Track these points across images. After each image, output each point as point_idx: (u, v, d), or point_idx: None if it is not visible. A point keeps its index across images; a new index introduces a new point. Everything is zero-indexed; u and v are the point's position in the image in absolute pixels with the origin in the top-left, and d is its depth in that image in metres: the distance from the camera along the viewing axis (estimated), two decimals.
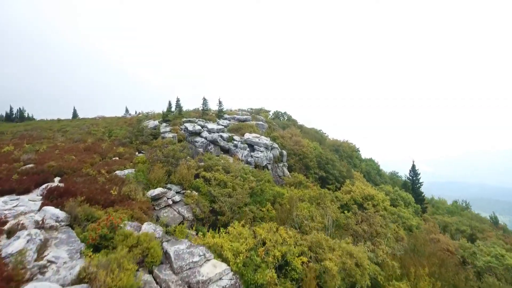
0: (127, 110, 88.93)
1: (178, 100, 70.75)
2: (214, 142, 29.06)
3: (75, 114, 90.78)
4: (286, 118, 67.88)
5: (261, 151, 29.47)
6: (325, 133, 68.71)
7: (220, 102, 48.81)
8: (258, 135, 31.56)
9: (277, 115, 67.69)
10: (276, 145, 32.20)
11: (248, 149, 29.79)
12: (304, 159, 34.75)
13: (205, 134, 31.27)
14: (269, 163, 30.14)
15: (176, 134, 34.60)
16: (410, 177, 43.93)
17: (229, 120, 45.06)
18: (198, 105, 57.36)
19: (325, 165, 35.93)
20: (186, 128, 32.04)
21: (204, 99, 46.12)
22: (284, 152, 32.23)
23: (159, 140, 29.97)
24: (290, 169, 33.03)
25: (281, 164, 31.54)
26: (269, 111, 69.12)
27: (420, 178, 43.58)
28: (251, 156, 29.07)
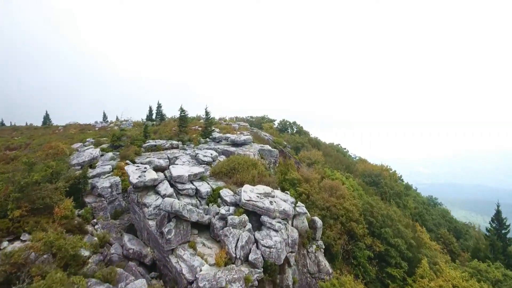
0: (105, 116, 72.75)
1: (159, 106, 54.42)
2: (177, 214, 13.01)
3: (46, 120, 74.49)
4: (295, 129, 51.95)
5: (276, 230, 13.64)
6: (345, 148, 52.93)
7: (207, 113, 32.81)
8: (269, 190, 15.67)
9: (284, 125, 51.74)
10: (302, 207, 16.22)
11: (248, 225, 13.93)
12: (348, 222, 18.91)
13: (164, 188, 15.29)
14: (291, 252, 14.35)
15: (119, 179, 18.68)
16: (493, 228, 28.21)
17: (219, 142, 29.03)
18: (188, 112, 41.73)
19: (381, 230, 20.13)
20: (129, 176, 15.88)
21: (182, 110, 29.98)
22: (318, 222, 16.25)
23: (64, 205, 13.98)
24: (327, 249, 17.19)
25: (313, 248, 15.64)
26: (274, 121, 53.23)
27: (509, 230, 27.90)
28: (256, 245, 13.25)
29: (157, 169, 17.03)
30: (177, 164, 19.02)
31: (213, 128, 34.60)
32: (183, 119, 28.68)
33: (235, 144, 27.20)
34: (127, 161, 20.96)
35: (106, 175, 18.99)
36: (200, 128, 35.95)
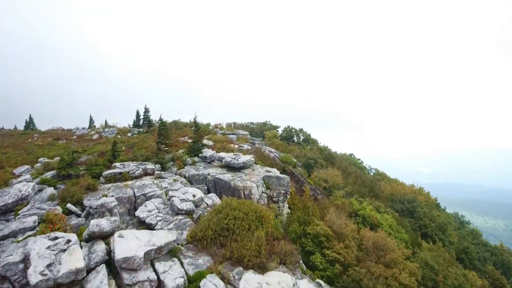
0: (91, 121, 65.36)
1: (146, 111, 47.00)
2: None
3: (29, 124, 67.12)
4: (302, 137, 44.85)
5: None
6: (359, 159, 45.83)
7: (196, 123, 25.66)
8: (289, 283, 8.69)
9: (289, 132, 44.60)
10: None
11: None
12: None
13: (96, 284, 8.26)
14: None
15: None
16: None
17: (212, 162, 21.95)
18: (181, 116, 35.19)
19: None
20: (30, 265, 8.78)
21: (161, 122, 22.72)
22: None
23: None
24: None
25: None
26: (278, 127, 46.11)
27: None
28: None
29: (95, 236, 9.86)
30: (142, 216, 11.84)
31: (205, 141, 27.47)
32: (162, 133, 21.38)
33: (231, 167, 20.08)
34: (68, 206, 13.79)
35: (26, 234, 11.84)
36: (190, 141, 28.83)
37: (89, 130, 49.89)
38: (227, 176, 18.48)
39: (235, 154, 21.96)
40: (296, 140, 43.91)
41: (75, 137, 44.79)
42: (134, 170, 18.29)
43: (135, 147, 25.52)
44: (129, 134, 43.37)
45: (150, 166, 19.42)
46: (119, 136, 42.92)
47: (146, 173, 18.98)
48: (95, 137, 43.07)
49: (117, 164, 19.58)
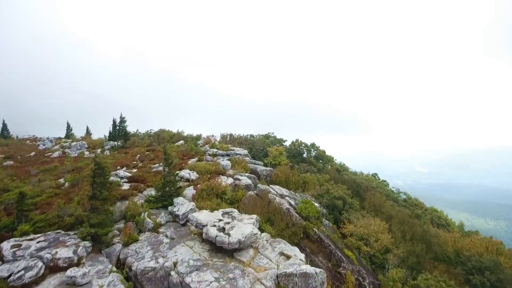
0: (68, 128, 55.75)
1: (122, 121, 37.71)
2: None
3: (3, 131, 57.34)
4: (314, 152, 35.68)
5: None
6: (384, 181, 36.61)
7: (166, 155, 16.39)
8: None
9: (297, 147, 35.41)
10: None
11: None
12: None
13: None
14: None
15: None
16: None
17: (187, 224, 12.80)
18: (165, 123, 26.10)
19: None
20: None
21: (96, 161, 13.35)
22: None
23: None
24: None
25: None
26: (284, 141, 36.91)
27: None
28: None
29: None
30: None
31: (185, 173, 18.36)
32: (97, 182, 11.99)
33: (219, 249, 10.99)
34: None
35: None
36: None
37: (54, 143, 40.32)
38: (206, 278, 9.37)
39: (226, 214, 12.84)
40: (306, 157, 34.81)
41: (33, 153, 35.40)
42: (24, 272, 9.07)
43: (75, 189, 16.23)
44: (99, 150, 34.14)
45: (63, 251, 10.19)
46: (86, 153, 33.74)
47: (54, 267, 9.80)
48: (56, 154, 33.78)
49: (8, 244, 10.41)
